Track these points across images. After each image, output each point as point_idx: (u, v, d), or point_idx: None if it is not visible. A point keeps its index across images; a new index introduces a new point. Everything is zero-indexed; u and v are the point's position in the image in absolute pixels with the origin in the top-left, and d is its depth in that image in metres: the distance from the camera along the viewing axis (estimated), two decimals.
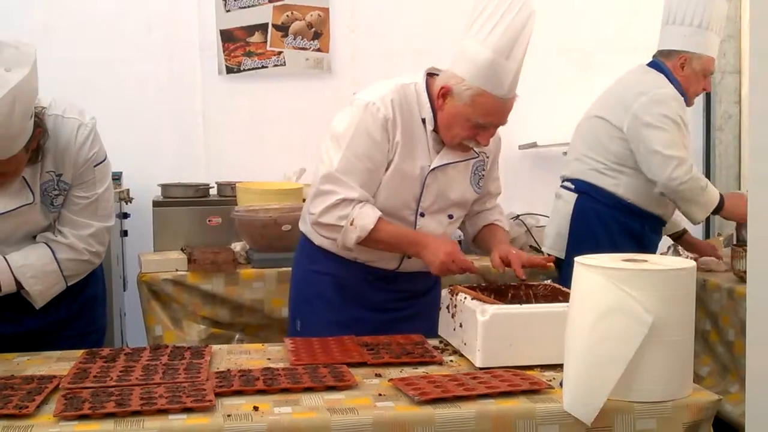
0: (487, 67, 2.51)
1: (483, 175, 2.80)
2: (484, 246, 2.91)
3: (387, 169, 2.65)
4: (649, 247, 3.57)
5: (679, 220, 3.90)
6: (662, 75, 3.53)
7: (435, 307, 2.64)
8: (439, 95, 2.61)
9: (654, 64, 3.60)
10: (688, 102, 3.58)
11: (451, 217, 2.77)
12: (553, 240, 3.71)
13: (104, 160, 2.62)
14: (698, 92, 3.65)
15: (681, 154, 3.39)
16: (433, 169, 2.67)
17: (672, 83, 3.51)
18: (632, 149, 3.47)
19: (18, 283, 2.54)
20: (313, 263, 2.84)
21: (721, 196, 3.53)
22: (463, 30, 2.59)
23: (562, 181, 3.74)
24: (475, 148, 2.69)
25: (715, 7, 3.51)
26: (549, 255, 2.81)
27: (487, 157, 2.80)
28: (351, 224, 2.61)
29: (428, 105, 2.64)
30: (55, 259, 2.57)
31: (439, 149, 2.68)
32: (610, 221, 3.54)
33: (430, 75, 2.69)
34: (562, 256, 3.59)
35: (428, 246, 2.62)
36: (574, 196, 3.63)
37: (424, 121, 2.65)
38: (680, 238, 3.93)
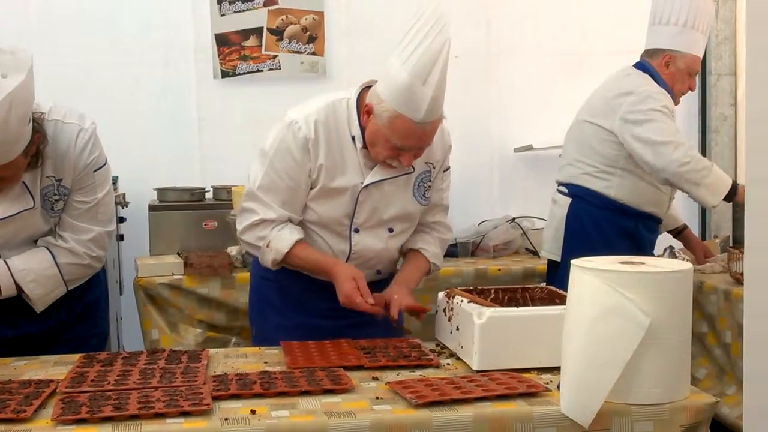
0: (404, 90, 2.42)
1: (429, 186, 2.72)
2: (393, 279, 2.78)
3: (313, 188, 2.62)
4: (645, 246, 3.57)
5: (677, 215, 3.91)
6: (647, 75, 3.55)
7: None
8: (363, 112, 2.56)
9: (639, 65, 3.62)
10: (675, 101, 3.58)
11: (391, 230, 2.71)
12: (550, 244, 3.72)
13: (104, 165, 2.62)
14: (684, 91, 3.65)
15: (675, 139, 3.39)
16: (367, 186, 2.61)
17: (657, 82, 3.52)
18: (626, 149, 3.48)
19: (18, 287, 2.54)
20: (260, 270, 2.80)
21: (735, 182, 3.48)
22: (394, 45, 2.50)
23: (558, 186, 3.76)
24: (404, 164, 2.59)
25: (701, 6, 3.52)
26: (423, 308, 2.72)
27: (434, 167, 2.72)
28: (267, 246, 2.61)
29: (357, 123, 2.58)
30: (56, 263, 2.57)
31: (372, 165, 2.61)
32: (604, 223, 3.55)
33: (367, 88, 2.62)
34: (558, 259, 3.61)
35: (334, 281, 2.57)
36: (568, 200, 3.65)
37: (354, 138, 2.60)
38: (680, 234, 3.93)
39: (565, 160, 3.73)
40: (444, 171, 2.79)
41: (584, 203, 3.60)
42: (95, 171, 2.58)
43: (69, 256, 2.60)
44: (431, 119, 2.47)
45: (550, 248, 3.72)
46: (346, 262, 2.68)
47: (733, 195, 3.48)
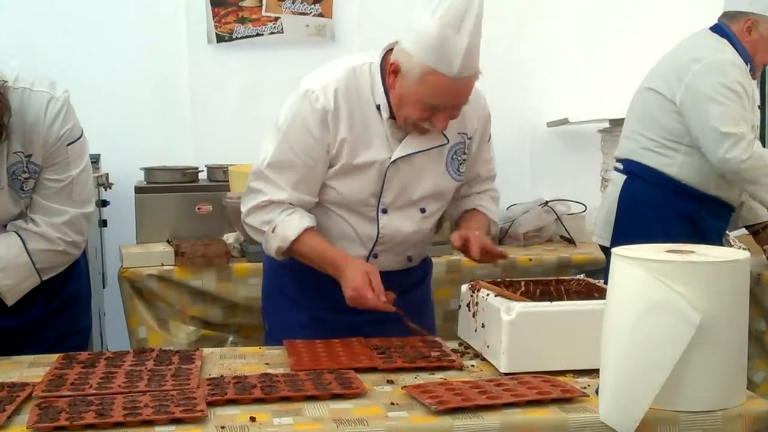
0: (436, 43, 2.41)
1: (463, 160, 2.73)
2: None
3: (334, 165, 2.61)
4: (709, 234, 3.51)
5: (760, 210, 3.80)
6: (725, 40, 3.50)
7: (425, 307, 2.62)
8: (389, 72, 2.55)
9: (717, 28, 3.56)
10: (755, 72, 3.54)
11: (423, 210, 2.71)
12: (601, 228, 3.70)
13: (79, 138, 2.62)
14: (766, 61, 3.61)
15: (739, 130, 3.35)
16: (395, 160, 2.61)
17: (737, 49, 3.48)
18: (687, 123, 3.45)
19: None
20: (270, 258, 2.80)
21: None
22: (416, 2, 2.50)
23: (616, 163, 3.74)
24: (445, 133, 2.62)
25: None
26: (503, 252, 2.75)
27: (469, 138, 2.73)
28: (273, 231, 2.60)
29: (381, 89, 2.58)
30: (26, 249, 2.58)
31: (401, 137, 2.61)
32: (662, 204, 3.52)
33: (390, 51, 2.61)
34: (609, 245, 3.58)
35: (342, 274, 2.54)
36: (622, 178, 3.62)
37: (379, 108, 2.59)
38: (758, 235, 3.83)
39: (624, 132, 3.71)
40: (487, 141, 2.82)
41: (640, 181, 3.56)
42: (68, 145, 2.58)
43: (41, 242, 2.59)
44: (467, 73, 2.47)
45: (601, 233, 3.69)
46: (374, 246, 2.69)
47: None
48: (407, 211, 2.69)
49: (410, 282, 2.81)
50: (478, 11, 2.42)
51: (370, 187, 2.63)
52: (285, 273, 2.80)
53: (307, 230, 2.59)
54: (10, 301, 2.61)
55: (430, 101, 2.48)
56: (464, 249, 2.61)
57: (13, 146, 2.50)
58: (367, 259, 2.68)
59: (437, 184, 2.70)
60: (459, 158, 2.72)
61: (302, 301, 2.77)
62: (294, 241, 2.58)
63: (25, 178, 2.56)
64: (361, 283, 2.49)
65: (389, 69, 2.54)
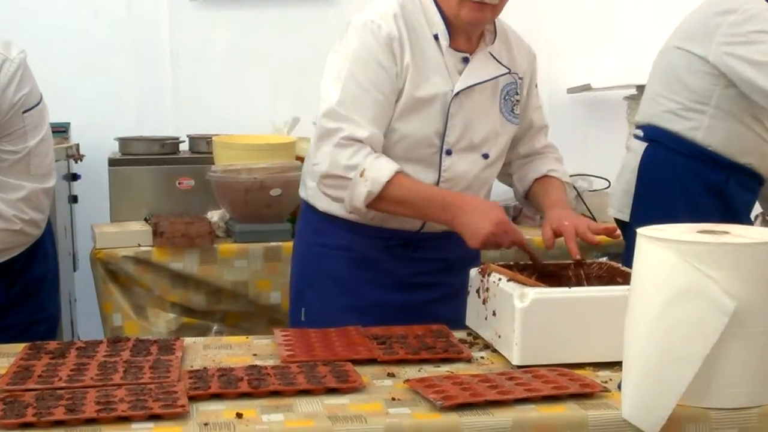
0: None
1: (517, 101, 2.81)
2: (537, 208, 2.92)
3: (398, 100, 2.66)
4: (738, 208, 3.51)
5: None
6: None
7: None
8: None
9: None
10: None
11: (486, 156, 2.77)
12: (619, 200, 3.69)
13: (37, 105, 2.62)
14: None
15: None
16: (458, 93, 2.68)
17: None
18: (724, 81, 3.42)
19: None
20: (317, 235, 2.84)
21: None
22: None
23: (635, 129, 3.72)
24: (506, 66, 2.74)
25: None
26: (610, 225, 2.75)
27: (520, 78, 2.82)
28: (361, 176, 2.58)
29: (438, 16, 2.67)
30: None
31: (461, 69, 2.70)
32: (687, 174, 3.51)
33: None
34: (628, 219, 3.58)
35: (470, 210, 2.54)
36: (642, 145, 3.61)
37: (436, 37, 2.68)
38: None
39: (645, 95, 3.70)
40: (535, 87, 2.91)
41: (662, 149, 3.56)
42: (24, 112, 2.58)
43: None
44: None
45: (620, 206, 3.69)
46: None
47: None
48: (470, 155, 2.75)
49: (466, 252, 2.75)
50: None
51: (434, 124, 2.69)
52: (333, 254, 2.82)
53: (399, 172, 2.60)
54: None
55: None
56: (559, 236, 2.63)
57: None
58: None
59: (494, 126, 2.78)
60: (512, 99, 2.80)
61: (353, 284, 2.80)
62: (388, 183, 2.57)
63: None
64: (501, 215, 2.52)
65: None
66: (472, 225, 2.53)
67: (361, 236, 2.75)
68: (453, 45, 2.69)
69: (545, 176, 2.89)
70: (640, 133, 3.64)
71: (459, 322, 2.60)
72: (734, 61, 3.40)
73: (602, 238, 2.63)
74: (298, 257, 2.96)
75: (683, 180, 3.50)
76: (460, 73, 2.69)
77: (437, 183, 2.72)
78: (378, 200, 2.59)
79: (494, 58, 2.74)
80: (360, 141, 2.59)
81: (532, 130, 2.93)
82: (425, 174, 2.71)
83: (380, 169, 2.58)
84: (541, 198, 2.85)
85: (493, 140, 2.78)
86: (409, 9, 2.68)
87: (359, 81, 2.63)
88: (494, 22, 2.75)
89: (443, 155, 2.72)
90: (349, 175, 2.59)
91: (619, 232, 2.62)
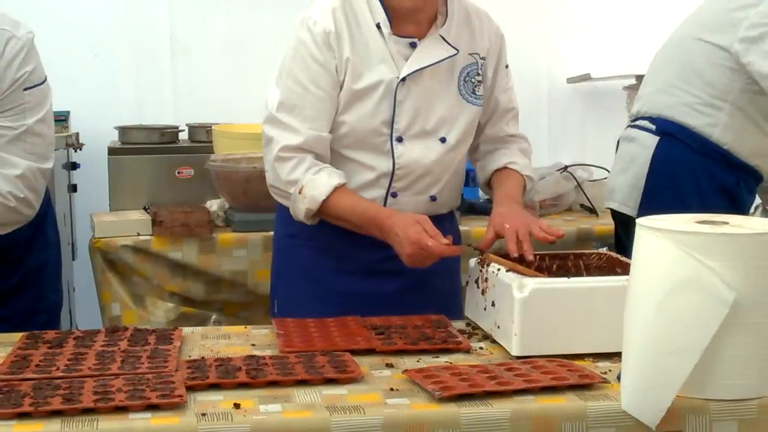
0: None
1: (479, 82, 2.79)
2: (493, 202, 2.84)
3: (341, 93, 2.67)
4: (745, 211, 3.51)
5: None
6: None
7: (455, 276, 2.62)
8: None
9: None
10: None
11: (444, 140, 2.75)
12: (624, 194, 3.63)
13: (39, 84, 2.62)
14: None
15: None
16: (404, 79, 2.67)
17: None
18: (744, 77, 3.40)
19: None
20: (287, 226, 2.83)
21: None
22: None
23: (634, 120, 3.68)
24: (459, 48, 2.72)
25: None
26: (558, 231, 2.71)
27: (482, 58, 2.80)
28: (299, 192, 2.62)
29: (378, 4, 2.67)
30: None
31: (407, 55, 2.69)
32: (701, 173, 3.47)
33: None
34: (635, 214, 3.55)
35: (397, 233, 2.51)
36: (654, 138, 3.57)
37: (379, 26, 2.68)
38: None
39: (654, 85, 3.64)
40: (505, 67, 2.88)
41: (678, 145, 3.50)
42: (26, 89, 2.59)
43: None
44: None
45: (625, 200, 3.63)
46: (390, 182, 2.72)
47: None
48: (425, 141, 2.73)
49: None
50: None
51: (381, 113, 2.68)
52: (298, 244, 2.82)
53: (338, 188, 2.61)
54: None
55: None
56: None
57: None
58: (385, 200, 2.73)
59: (451, 108, 2.75)
60: (473, 80, 2.78)
61: (319, 274, 2.80)
62: (325, 202, 2.60)
63: None
64: (416, 234, 2.47)
65: None
66: (397, 247, 2.52)
67: (326, 225, 2.72)
68: (399, 31, 2.68)
69: (505, 167, 2.86)
70: (650, 125, 3.59)
71: (434, 310, 2.61)
72: (756, 56, 3.36)
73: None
74: (274, 250, 2.97)
75: (698, 179, 3.46)
76: (407, 59, 2.68)
77: (392, 170, 2.71)
78: (318, 215, 2.64)
79: (445, 40, 2.72)
80: (300, 149, 2.62)
81: (499, 112, 2.89)
82: (380, 162, 2.71)
83: (318, 187, 2.60)
84: (494, 192, 2.83)
85: (450, 123, 2.76)
86: (352, 2, 2.69)
87: (298, 79, 2.65)
88: (446, 5, 2.73)
89: (394, 142, 2.71)
90: (289, 190, 2.64)
91: (559, 235, 2.60)
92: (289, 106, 2.65)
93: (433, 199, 2.79)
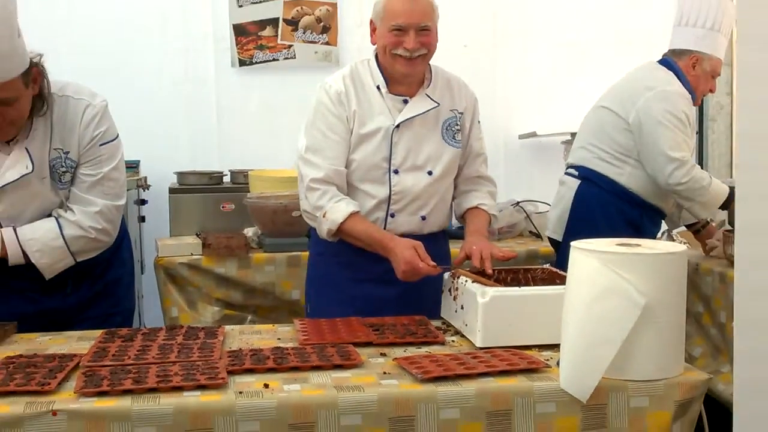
0: None
1: (458, 130, 2.80)
2: (465, 231, 2.85)
3: (351, 137, 2.70)
4: (647, 237, 3.52)
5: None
6: (672, 73, 3.49)
7: (441, 282, 2.62)
8: (370, 34, 2.75)
9: (665, 62, 3.55)
10: (695, 101, 3.54)
11: (430, 173, 2.76)
12: (554, 224, 3.69)
13: (112, 141, 2.62)
14: (705, 92, 3.60)
15: (682, 155, 3.34)
16: (398, 125, 2.70)
17: (682, 82, 3.47)
18: (637, 141, 3.43)
19: (25, 256, 2.54)
20: (316, 246, 2.86)
21: (732, 190, 3.40)
22: None
23: (567, 168, 3.71)
24: (438, 108, 2.74)
25: (727, 10, 3.46)
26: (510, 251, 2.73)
27: (460, 113, 2.81)
28: (324, 216, 2.65)
29: (378, 72, 2.73)
30: (62, 234, 2.56)
31: (400, 108, 2.72)
32: (611, 208, 3.51)
33: None
34: (561, 240, 3.58)
35: (391, 251, 2.57)
36: (576, 182, 3.60)
37: (378, 87, 2.72)
38: (699, 232, 3.73)
39: (579, 143, 3.68)
40: (478, 122, 2.90)
41: (593, 187, 3.55)
42: (101, 145, 2.58)
43: (75, 229, 2.58)
44: None
45: (554, 228, 3.68)
46: (388, 205, 2.73)
47: (729, 203, 3.43)
48: (416, 173, 2.75)
49: (432, 249, 2.69)
50: None
51: (381, 151, 2.71)
52: (325, 259, 2.83)
53: (353, 214, 2.64)
54: (48, 276, 2.60)
55: (393, 23, 2.64)
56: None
57: (54, 143, 2.53)
58: (386, 220, 2.74)
59: (437, 150, 2.76)
60: (453, 128, 2.80)
61: (339, 282, 2.79)
62: (342, 224, 2.63)
63: (62, 172, 2.57)
64: (410, 256, 2.52)
65: (370, 28, 2.74)
66: (395, 264, 2.56)
67: (346, 245, 2.72)
68: (394, 91, 2.72)
69: (476, 207, 2.87)
70: (575, 172, 3.62)
71: (423, 310, 2.61)
72: (640, 136, 3.39)
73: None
74: (308, 265, 2.97)
75: (608, 213, 3.49)
76: (401, 111, 2.72)
77: (389, 196, 2.73)
78: (337, 234, 2.66)
79: (429, 97, 2.75)
80: (324, 182, 2.66)
81: (473, 155, 2.89)
82: (380, 189, 2.73)
83: (338, 213, 2.63)
84: (467, 225, 2.84)
85: (436, 160, 2.76)
86: (359, 70, 2.76)
87: (320, 128, 2.70)
88: (431, 72, 2.78)
89: (391, 174, 2.72)
90: (316, 214, 2.67)
91: (512, 256, 2.62)
92: (314, 149, 2.69)
93: (424, 218, 2.78)
